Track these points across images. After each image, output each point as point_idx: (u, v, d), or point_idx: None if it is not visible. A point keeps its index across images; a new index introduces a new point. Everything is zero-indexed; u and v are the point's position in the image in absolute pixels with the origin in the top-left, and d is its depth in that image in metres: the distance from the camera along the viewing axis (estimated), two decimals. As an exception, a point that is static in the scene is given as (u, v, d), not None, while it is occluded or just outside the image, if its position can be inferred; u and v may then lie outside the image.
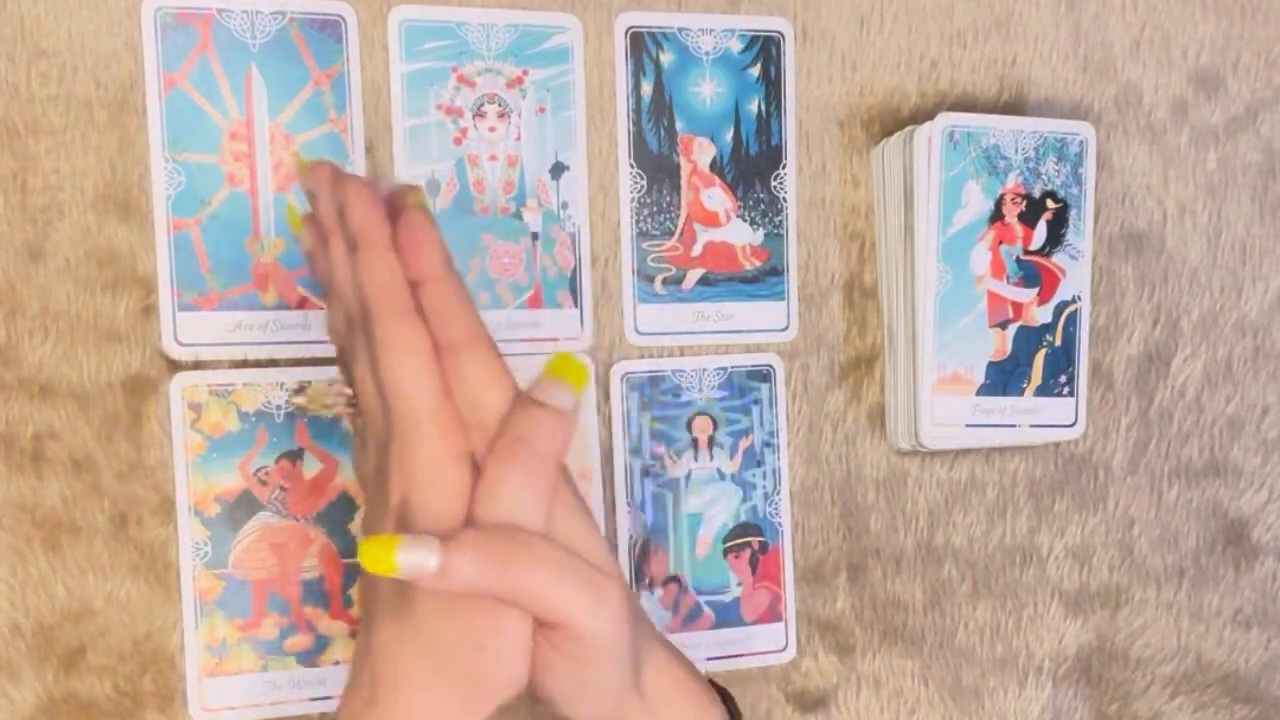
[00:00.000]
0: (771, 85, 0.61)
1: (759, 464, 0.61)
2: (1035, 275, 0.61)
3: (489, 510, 0.41)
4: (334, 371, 0.52)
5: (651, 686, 0.46)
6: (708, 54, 0.60)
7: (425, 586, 0.40)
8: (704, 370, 0.60)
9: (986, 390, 0.60)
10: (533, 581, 0.40)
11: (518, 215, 0.58)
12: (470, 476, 0.42)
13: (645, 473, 0.59)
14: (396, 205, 0.44)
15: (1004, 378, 0.60)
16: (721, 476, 0.60)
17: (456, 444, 0.42)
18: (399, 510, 0.42)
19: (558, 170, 0.58)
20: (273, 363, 0.55)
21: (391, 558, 0.39)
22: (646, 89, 0.59)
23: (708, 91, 0.60)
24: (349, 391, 0.47)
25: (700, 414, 0.60)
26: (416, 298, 0.42)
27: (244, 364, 0.55)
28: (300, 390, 0.53)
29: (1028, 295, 0.61)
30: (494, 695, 0.42)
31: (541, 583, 0.41)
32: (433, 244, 0.43)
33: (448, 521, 0.41)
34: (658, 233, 0.60)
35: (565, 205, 0.58)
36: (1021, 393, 0.61)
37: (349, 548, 0.56)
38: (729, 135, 0.60)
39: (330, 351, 0.50)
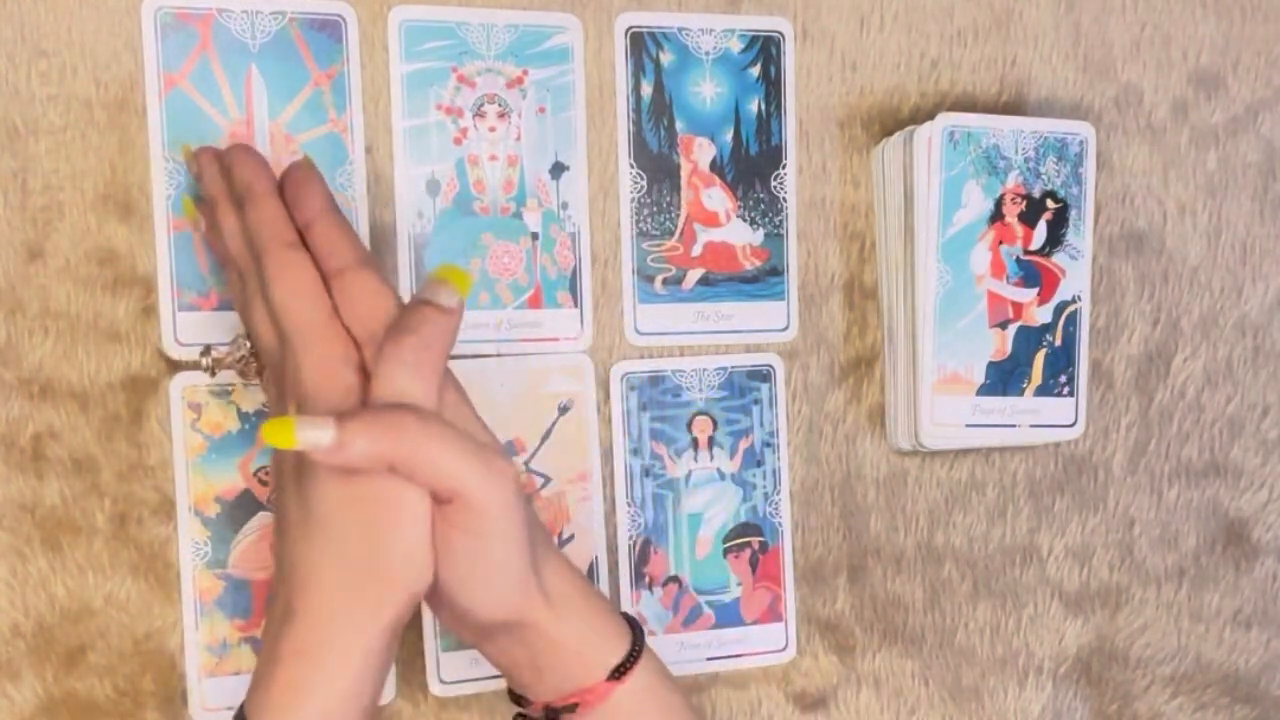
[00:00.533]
0: (771, 85, 0.61)
1: (759, 464, 0.61)
2: (1035, 275, 0.61)
3: (381, 394, 0.43)
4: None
5: (556, 591, 0.46)
6: (708, 54, 0.60)
7: (323, 461, 0.41)
8: (704, 370, 0.60)
9: (986, 390, 0.60)
10: (425, 448, 0.42)
11: (518, 215, 0.58)
12: (362, 380, 0.44)
13: (645, 473, 0.59)
14: (286, 175, 0.49)
15: (1004, 378, 0.60)
16: (721, 476, 0.60)
17: (346, 351, 0.45)
18: (296, 408, 0.44)
19: (558, 170, 0.58)
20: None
21: (291, 432, 0.41)
22: (646, 89, 0.59)
23: (708, 91, 0.60)
24: (248, 342, 0.51)
25: (700, 414, 0.60)
26: (306, 240, 0.46)
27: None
28: (206, 352, 0.52)
29: (1028, 295, 0.61)
30: (402, 587, 0.43)
31: (434, 450, 0.42)
32: (316, 189, 0.48)
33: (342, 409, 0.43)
34: (658, 233, 0.60)
35: (565, 205, 0.58)
36: (1021, 393, 0.61)
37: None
38: (729, 135, 0.60)
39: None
